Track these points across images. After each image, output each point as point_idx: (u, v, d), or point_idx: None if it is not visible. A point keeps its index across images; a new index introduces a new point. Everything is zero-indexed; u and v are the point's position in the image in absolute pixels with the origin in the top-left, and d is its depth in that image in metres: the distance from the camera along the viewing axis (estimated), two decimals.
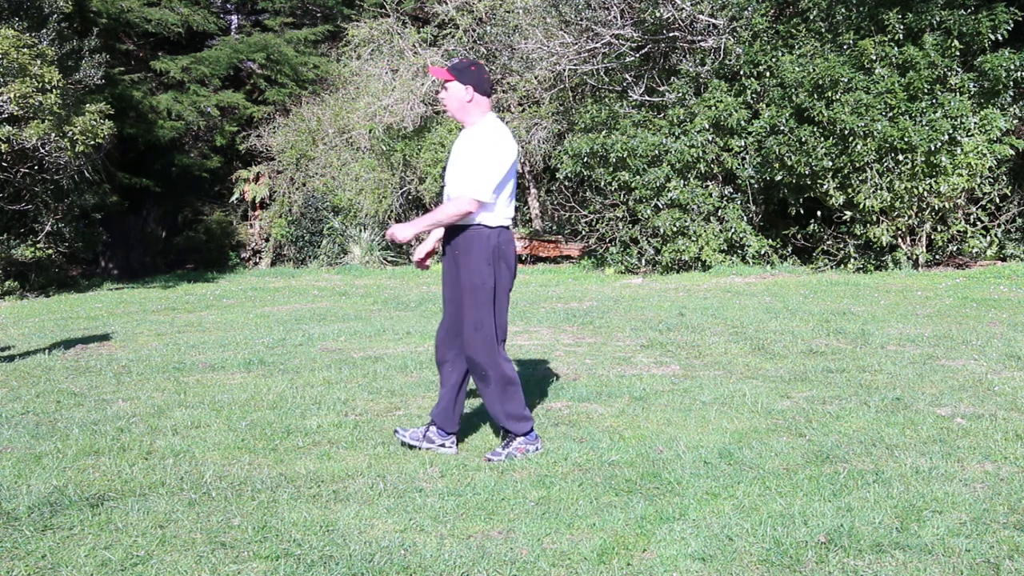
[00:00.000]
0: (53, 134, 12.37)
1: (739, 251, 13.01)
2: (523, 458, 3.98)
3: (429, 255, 4.34)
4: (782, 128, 12.20)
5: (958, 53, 11.49)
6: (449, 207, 3.92)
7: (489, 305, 3.99)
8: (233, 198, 19.60)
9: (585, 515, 3.31)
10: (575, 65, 14.12)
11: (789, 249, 13.21)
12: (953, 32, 11.46)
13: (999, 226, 12.38)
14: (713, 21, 12.99)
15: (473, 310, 3.97)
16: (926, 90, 11.48)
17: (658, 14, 12.94)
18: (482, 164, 3.89)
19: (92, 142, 12.93)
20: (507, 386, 4.03)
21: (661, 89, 13.68)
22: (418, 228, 3.99)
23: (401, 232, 3.99)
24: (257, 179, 19.23)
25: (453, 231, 4.03)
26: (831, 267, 12.54)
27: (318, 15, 20.57)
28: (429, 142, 16.05)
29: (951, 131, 11.20)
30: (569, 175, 14.22)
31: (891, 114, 11.51)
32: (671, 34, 13.30)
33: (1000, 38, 11.42)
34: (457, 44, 16.21)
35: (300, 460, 4.08)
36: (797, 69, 12.05)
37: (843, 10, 12.31)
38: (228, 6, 20.75)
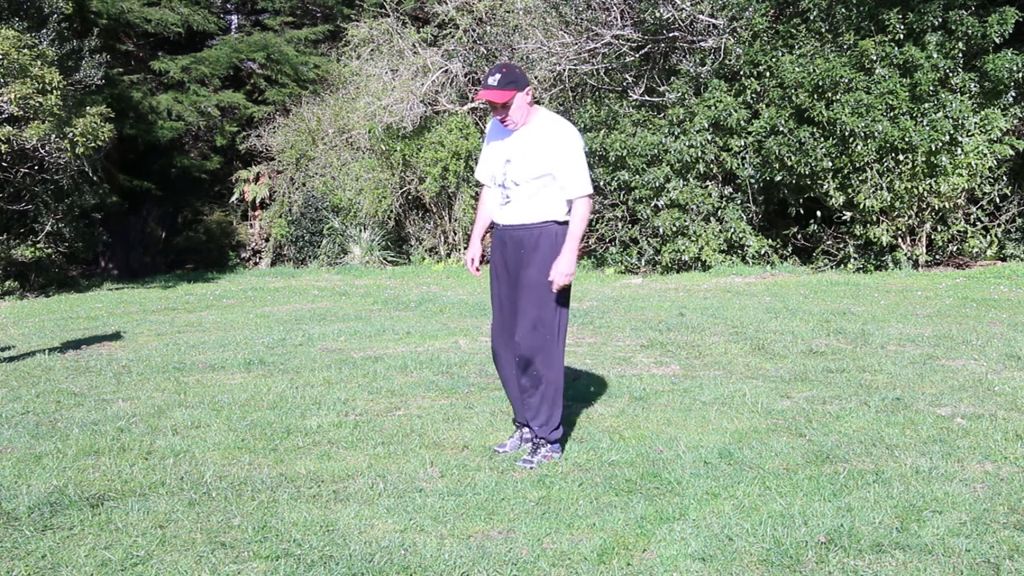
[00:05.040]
0: (53, 135, 12.37)
1: (739, 251, 13.01)
2: (547, 464, 3.94)
3: (480, 260, 4.23)
4: (782, 128, 12.19)
5: (960, 54, 11.49)
6: (581, 217, 3.89)
7: (553, 304, 3.93)
8: (233, 198, 19.60)
9: (585, 515, 3.31)
10: (575, 65, 14.12)
11: (789, 249, 13.20)
12: (956, 33, 11.44)
13: (999, 226, 12.38)
14: (713, 21, 12.99)
15: (535, 308, 3.90)
16: (931, 91, 11.46)
17: (658, 14, 12.94)
18: (574, 160, 3.87)
19: (92, 144, 12.93)
20: (557, 392, 3.98)
21: (661, 89, 13.68)
22: (574, 254, 3.91)
23: (569, 272, 3.89)
24: (257, 179, 19.22)
25: (516, 228, 3.96)
26: (831, 267, 12.53)
27: (318, 15, 20.57)
28: (429, 142, 16.04)
29: (952, 131, 11.19)
30: None
31: (892, 114, 11.50)
32: (671, 34, 13.30)
33: (1001, 39, 11.40)
34: (457, 44, 16.21)
35: (300, 460, 4.08)
36: (797, 69, 12.04)
37: (843, 10, 12.30)
38: (228, 6, 20.75)
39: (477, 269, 4.21)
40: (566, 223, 3.99)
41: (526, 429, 4.08)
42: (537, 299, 3.91)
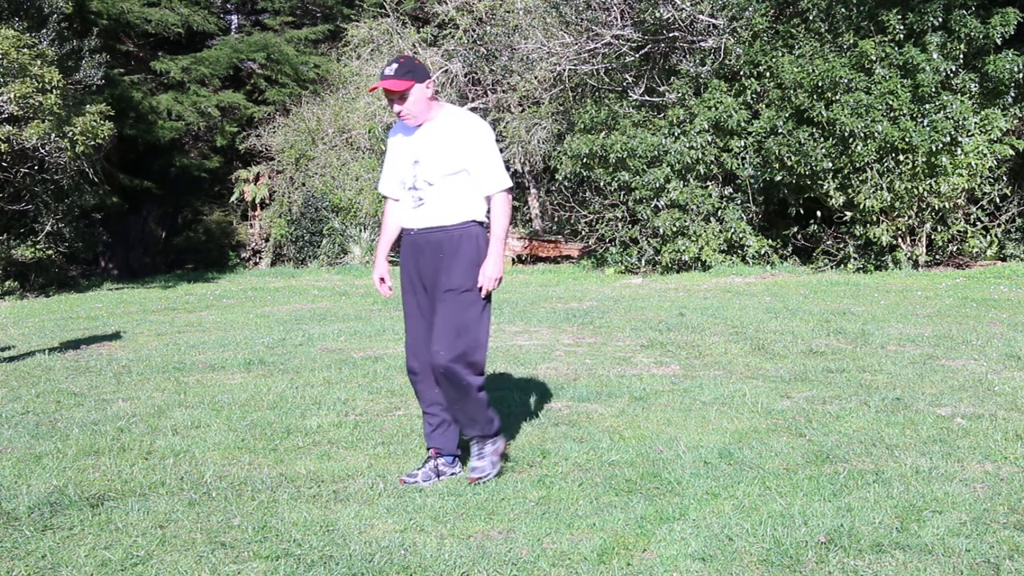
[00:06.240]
0: (53, 134, 12.37)
1: (739, 251, 13.01)
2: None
3: (391, 278, 3.93)
4: (782, 129, 12.19)
5: (961, 55, 11.48)
6: (504, 214, 3.74)
7: (477, 309, 3.73)
8: (233, 198, 19.61)
9: (585, 515, 3.31)
10: (575, 65, 14.12)
11: (789, 249, 13.20)
12: (957, 33, 11.43)
13: (999, 226, 12.38)
14: (713, 21, 13.00)
15: (457, 315, 3.68)
16: (933, 91, 11.45)
17: (658, 14, 12.94)
18: (489, 153, 3.71)
19: (92, 142, 12.93)
20: (481, 391, 3.79)
21: (661, 89, 13.68)
22: (501, 254, 3.74)
23: (497, 276, 3.74)
24: (257, 179, 19.23)
25: (433, 230, 3.71)
26: (831, 267, 12.53)
27: (318, 15, 20.59)
28: None
29: (952, 132, 11.18)
30: (569, 175, 14.23)
31: (892, 115, 11.50)
32: (671, 34, 13.30)
33: (1002, 39, 11.40)
34: (457, 44, 16.22)
35: (300, 460, 4.08)
36: (797, 70, 12.04)
37: (843, 10, 12.30)
38: (228, 6, 20.77)
39: (390, 288, 3.92)
40: (485, 223, 3.82)
41: (441, 460, 3.81)
42: (460, 305, 3.69)
